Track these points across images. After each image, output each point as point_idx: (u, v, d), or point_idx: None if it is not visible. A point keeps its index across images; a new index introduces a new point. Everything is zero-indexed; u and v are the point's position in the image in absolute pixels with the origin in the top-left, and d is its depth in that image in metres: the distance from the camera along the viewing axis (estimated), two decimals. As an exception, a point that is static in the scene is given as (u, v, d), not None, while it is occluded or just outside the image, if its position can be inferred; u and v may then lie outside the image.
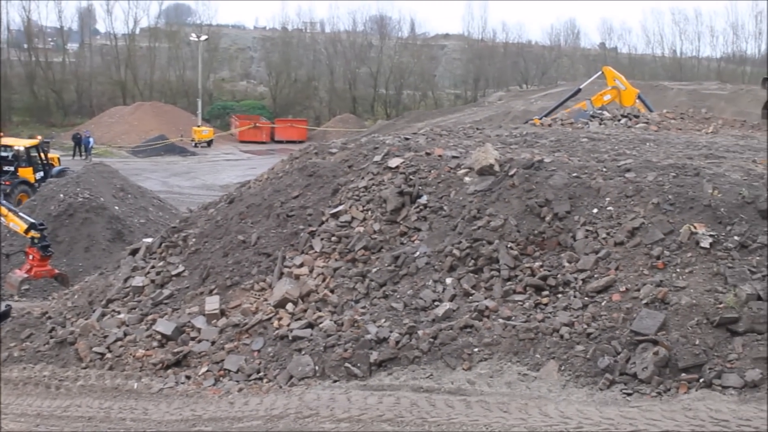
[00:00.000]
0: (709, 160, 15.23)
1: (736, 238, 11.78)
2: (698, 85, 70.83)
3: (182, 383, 12.11)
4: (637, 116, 24.23)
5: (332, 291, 13.15)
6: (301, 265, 13.86)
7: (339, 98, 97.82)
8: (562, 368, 10.58)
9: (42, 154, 37.39)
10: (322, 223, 14.63)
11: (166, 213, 27.77)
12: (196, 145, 76.54)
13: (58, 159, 41.36)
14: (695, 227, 11.91)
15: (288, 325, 12.57)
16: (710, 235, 11.78)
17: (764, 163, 15.38)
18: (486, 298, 12.00)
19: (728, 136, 20.75)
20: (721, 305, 10.61)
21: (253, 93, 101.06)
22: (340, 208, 14.70)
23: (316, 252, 14.06)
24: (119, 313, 14.45)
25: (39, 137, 40.85)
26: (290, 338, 12.08)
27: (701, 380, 10.04)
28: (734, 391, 9.81)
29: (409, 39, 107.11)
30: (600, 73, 34.54)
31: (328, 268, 13.62)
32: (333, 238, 14.11)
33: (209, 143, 78.49)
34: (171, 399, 11.76)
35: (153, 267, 15.61)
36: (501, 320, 11.40)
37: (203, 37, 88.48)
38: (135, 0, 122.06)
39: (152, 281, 15.12)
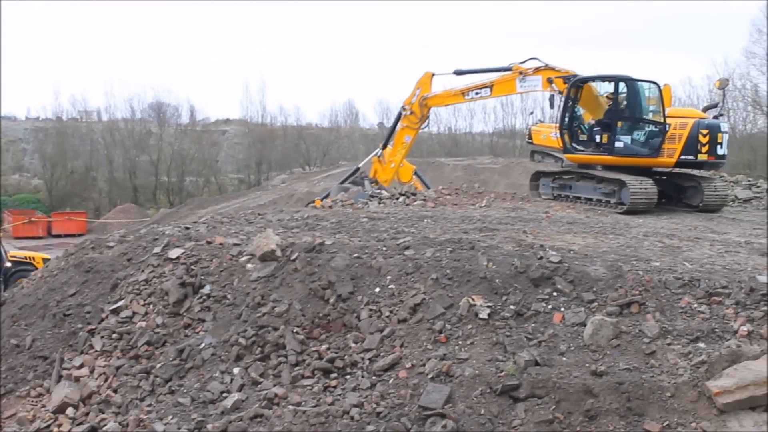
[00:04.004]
0: (483, 233, 15.87)
1: (512, 307, 12.24)
2: (473, 159, 73.89)
3: (-49, 507, 11.24)
4: (414, 194, 24.98)
5: (115, 391, 12.60)
6: (81, 366, 13.24)
7: (119, 188, 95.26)
8: (354, 450, 10.56)
9: None
10: (102, 320, 14.08)
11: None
12: (-35, 244, 72.58)
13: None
14: (473, 299, 12.30)
15: (69, 431, 11.92)
16: (488, 306, 12.19)
17: (535, 232, 16.19)
18: (275, 386, 11.83)
19: (500, 209, 21.76)
20: (502, 373, 10.92)
21: (27, 186, 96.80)
22: (120, 303, 14.23)
23: (96, 351, 13.48)
24: None
25: None
26: (71, 445, 11.48)
27: (488, 449, 10.26)
28: (520, 457, 10.11)
29: (189, 125, 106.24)
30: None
31: (110, 366, 13.07)
32: (114, 335, 13.59)
33: (-20, 241, 74.64)
34: None
35: None
36: (291, 407, 11.25)
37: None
38: None
39: None
